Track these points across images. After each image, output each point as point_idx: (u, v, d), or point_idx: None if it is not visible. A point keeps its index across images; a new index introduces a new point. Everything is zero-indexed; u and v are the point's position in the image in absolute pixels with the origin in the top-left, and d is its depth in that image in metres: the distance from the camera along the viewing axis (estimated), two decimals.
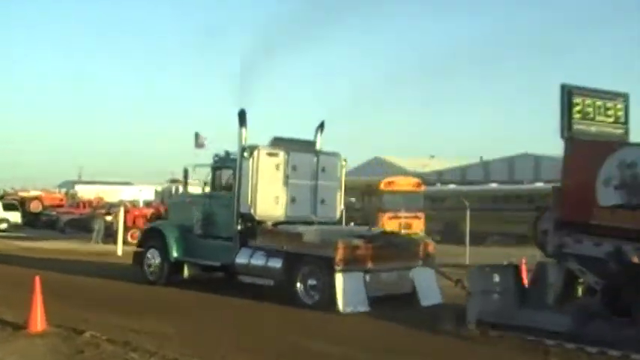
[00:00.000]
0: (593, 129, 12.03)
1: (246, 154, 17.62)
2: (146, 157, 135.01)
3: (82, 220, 43.94)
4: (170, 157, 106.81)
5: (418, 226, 31.99)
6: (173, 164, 79.96)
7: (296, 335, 12.49)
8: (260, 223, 17.62)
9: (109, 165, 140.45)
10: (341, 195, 19.23)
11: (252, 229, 17.54)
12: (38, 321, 11.47)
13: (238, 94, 18.77)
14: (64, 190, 72.93)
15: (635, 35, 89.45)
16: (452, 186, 48.24)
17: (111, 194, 65.63)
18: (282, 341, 11.91)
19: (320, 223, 18.10)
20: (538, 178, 50.82)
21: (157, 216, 32.03)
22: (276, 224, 17.69)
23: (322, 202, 18.72)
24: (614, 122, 12.37)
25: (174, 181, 20.32)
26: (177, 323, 13.06)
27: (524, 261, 16.81)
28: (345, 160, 19.33)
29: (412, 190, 34.02)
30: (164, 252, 18.88)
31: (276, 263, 16.65)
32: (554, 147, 14.04)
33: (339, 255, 15.43)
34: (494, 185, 47.22)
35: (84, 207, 51.24)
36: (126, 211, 34.25)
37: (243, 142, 17.76)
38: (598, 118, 11.96)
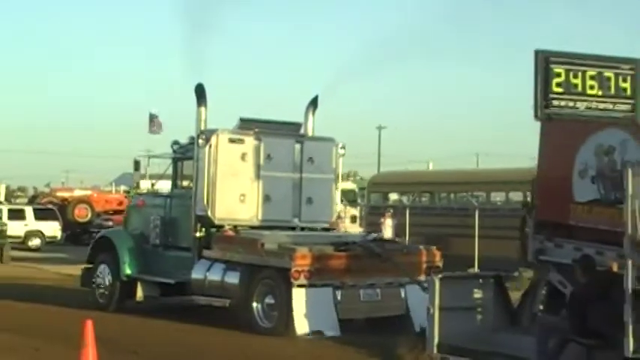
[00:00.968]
0: (581, 106, 8.61)
1: (201, 140, 14.10)
2: None
3: None
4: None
5: None
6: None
7: None
8: (220, 228, 14.12)
9: None
10: (336, 191, 15.41)
11: (210, 235, 14.04)
12: None
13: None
14: (123, 188, 50.26)
15: None
16: None
17: None
18: None
19: (305, 228, 14.60)
20: None
21: None
22: (236, 229, 14.11)
23: (309, 201, 14.86)
24: (614, 96, 8.86)
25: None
26: None
27: None
28: (342, 147, 15.24)
29: None
30: (115, 268, 15.19)
31: (233, 278, 13.16)
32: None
33: (297, 265, 12.04)
34: None
35: None
36: None
37: (202, 127, 14.34)
38: (590, 91, 8.65)
